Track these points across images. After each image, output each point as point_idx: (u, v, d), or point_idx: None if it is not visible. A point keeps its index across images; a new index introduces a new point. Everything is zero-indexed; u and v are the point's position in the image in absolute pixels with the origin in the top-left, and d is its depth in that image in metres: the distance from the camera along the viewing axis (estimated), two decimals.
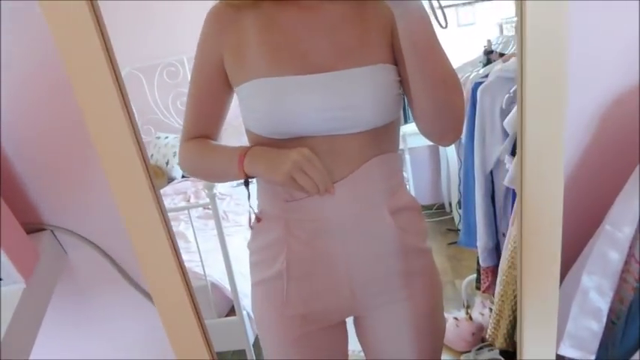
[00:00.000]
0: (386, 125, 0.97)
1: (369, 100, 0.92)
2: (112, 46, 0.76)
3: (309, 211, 0.98)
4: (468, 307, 2.47)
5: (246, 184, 0.98)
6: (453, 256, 3.17)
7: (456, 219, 3.53)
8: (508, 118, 1.44)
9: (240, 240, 2.50)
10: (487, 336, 1.29)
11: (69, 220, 0.90)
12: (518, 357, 0.83)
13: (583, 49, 0.90)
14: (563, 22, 0.69)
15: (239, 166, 0.94)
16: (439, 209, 3.75)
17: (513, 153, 1.37)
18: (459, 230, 3.44)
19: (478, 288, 2.18)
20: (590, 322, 0.85)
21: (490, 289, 2.08)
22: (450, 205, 3.65)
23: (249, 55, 0.95)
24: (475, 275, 2.30)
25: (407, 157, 3.46)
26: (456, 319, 2.35)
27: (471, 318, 2.35)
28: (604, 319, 0.85)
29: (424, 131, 0.96)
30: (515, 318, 1.21)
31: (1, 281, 0.75)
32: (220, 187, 3.13)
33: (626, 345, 0.80)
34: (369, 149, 0.97)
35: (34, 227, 0.88)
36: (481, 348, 2.29)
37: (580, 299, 0.86)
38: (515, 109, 1.43)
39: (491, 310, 2.36)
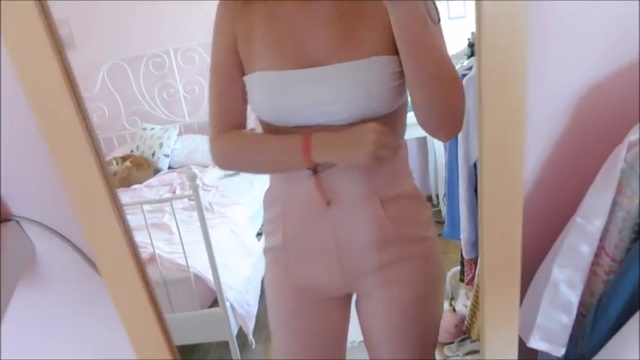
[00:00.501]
0: (383, 115, 0.96)
1: (359, 94, 0.93)
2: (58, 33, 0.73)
3: (303, 194, 1.02)
4: (452, 298, 2.48)
5: (315, 171, 0.99)
6: (440, 249, 3.18)
7: (443, 211, 3.54)
8: None
9: (224, 232, 2.49)
10: (464, 328, 1.29)
11: (36, 211, 0.88)
12: (480, 348, 0.83)
13: (559, 35, 0.90)
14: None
15: (304, 156, 0.94)
16: (427, 201, 3.75)
17: None
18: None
19: (462, 280, 2.18)
20: (560, 315, 0.85)
21: (473, 281, 2.09)
22: (438, 197, 3.66)
23: (254, 46, 0.98)
24: (459, 267, 2.31)
25: None
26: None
27: (454, 310, 2.36)
28: (574, 312, 0.85)
29: (421, 124, 0.96)
30: None
31: None
32: (206, 179, 3.12)
33: (596, 338, 0.80)
34: None
35: None
36: (463, 339, 2.30)
37: (550, 292, 0.86)
38: None
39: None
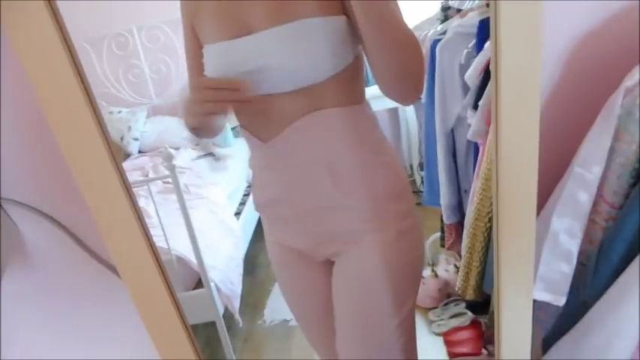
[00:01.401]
0: (331, 79, 0.94)
1: (291, 59, 0.91)
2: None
3: (262, 158, 1.06)
4: (432, 265, 2.52)
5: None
6: (414, 225, 3.22)
7: (418, 181, 3.58)
8: (469, 72, 1.43)
9: (203, 212, 2.45)
10: (456, 289, 1.31)
11: (18, 191, 0.83)
12: (494, 303, 0.84)
13: None
14: None
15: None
16: None
17: (475, 107, 1.36)
18: (421, 192, 3.50)
19: (442, 246, 2.21)
20: (560, 264, 0.86)
21: (454, 246, 2.12)
22: (412, 167, 3.69)
23: (202, 22, 1.00)
24: (439, 234, 2.34)
25: None
26: (422, 277, 2.39)
27: (436, 275, 2.40)
28: (574, 261, 0.87)
29: (384, 92, 0.96)
30: (483, 269, 1.23)
31: None
32: (180, 161, 3.05)
33: (597, 285, 0.82)
34: (305, 106, 0.96)
35: None
36: (447, 303, 2.34)
37: (550, 242, 0.87)
38: (475, 63, 1.42)
39: (456, 266, 2.42)
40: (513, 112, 0.72)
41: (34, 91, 0.73)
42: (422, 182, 3.48)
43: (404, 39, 0.88)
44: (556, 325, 0.94)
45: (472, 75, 1.41)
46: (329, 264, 1.15)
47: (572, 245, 0.85)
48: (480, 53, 1.41)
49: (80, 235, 0.87)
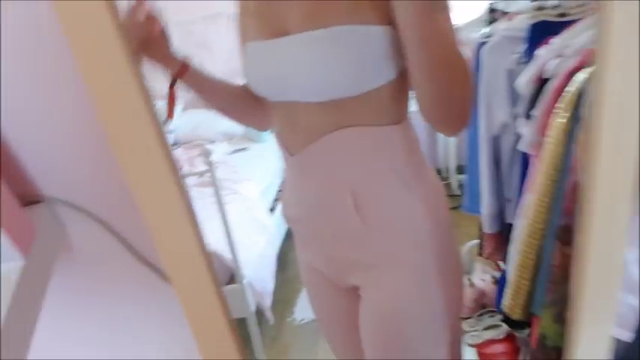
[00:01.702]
0: (363, 95, 0.84)
1: (317, 67, 0.81)
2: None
3: (289, 172, 1.00)
4: (468, 273, 2.46)
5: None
6: (452, 222, 3.15)
7: (454, 184, 3.51)
8: (521, 78, 1.37)
9: (237, 208, 2.44)
10: (503, 306, 1.26)
11: (65, 191, 0.82)
12: (568, 337, 0.78)
13: None
14: None
15: None
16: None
17: (528, 116, 1.30)
18: (457, 195, 3.43)
19: (480, 254, 2.15)
20: (629, 297, 0.81)
21: (493, 255, 2.06)
22: (448, 170, 3.62)
23: (247, 19, 0.96)
24: (476, 241, 2.28)
25: None
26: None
27: (472, 284, 2.34)
28: None
29: (425, 118, 0.84)
30: (533, 288, 1.18)
31: None
32: (214, 155, 3.06)
33: None
34: (335, 121, 0.86)
35: (29, 199, 0.80)
36: (482, 314, 2.28)
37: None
38: (527, 71, 1.35)
39: (493, 276, 2.36)
40: (613, 147, 0.67)
41: (84, 89, 0.71)
42: (458, 186, 3.43)
43: (452, 61, 0.77)
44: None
45: (524, 82, 1.34)
46: (356, 293, 1.03)
47: None
48: (534, 61, 1.34)
49: (125, 235, 0.86)
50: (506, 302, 1.23)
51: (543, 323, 1.10)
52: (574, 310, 0.77)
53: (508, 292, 1.22)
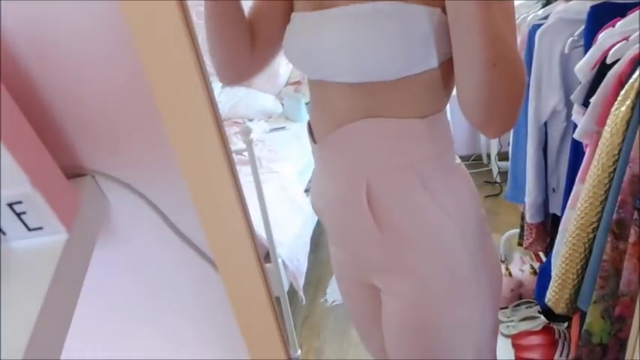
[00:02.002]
0: (398, 82, 0.77)
1: (351, 43, 0.75)
2: None
3: (315, 160, 0.94)
4: (506, 262, 2.40)
5: None
6: (490, 210, 3.09)
7: (494, 171, 3.42)
8: (580, 64, 1.30)
9: (273, 187, 2.44)
10: (547, 300, 1.21)
11: (111, 165, 0.82)
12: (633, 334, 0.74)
13: None
14: None
15: None
16: (476, 160, 3.64)
17: (585, 103, 1.24)
18: (497, 183, 3.35)
19: (520, 244, 2.10)
20: None
21: (534, 245, 2.00)
22: (489, 156, 3.52)
23: None
24: (516, 230, 2.22)
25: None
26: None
27: (510, 274, 2.28)
28: None
29: (466, 115, 0.76)
30: (580, 283, 1.13)
31: (42, 230, 0.69)
32: (253, 134, 3.07)
33: None
34: (363, 108, 0.80)
35: (73, 172, 0.80)
36: (518, 305, 2.24)
37: None
38: (588, 55, 1.28)
39: (532, 266, 2.30)
40: None
41: (136, 61, 0.71)
42: (498, 173, 3.34)
43: (503, 56, 0.69)
44: None
45: (584, 68, 1.27)
46: (379, 292, 0.98)
47: None
48: (596, 45, 1.27)
49: (170, 214, 0.86)
50: (551, 296, 1.19)
51: (590, 319, 1.05)
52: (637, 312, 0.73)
53: (553, 285, 1.18)
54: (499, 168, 3.34)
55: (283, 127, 3.26)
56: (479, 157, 3.68)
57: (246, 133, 1.90)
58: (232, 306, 0.86)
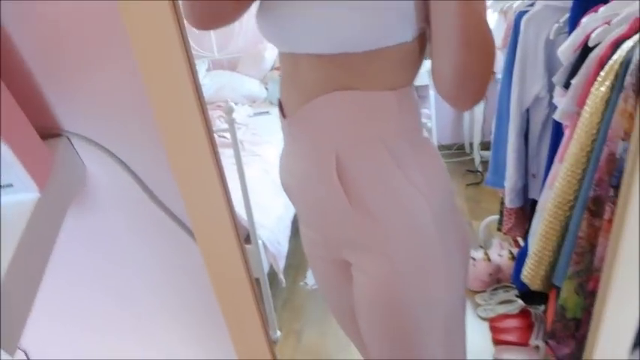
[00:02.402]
0: (369, 54, 0.76)
1: (324, 12, 0.74)
2: None
3: (284, 137, 0.92)
4: (485, 248, 2.43)
5: None
6: (472, 198, 3.12)
7: (476, 160, 3.44)
8: (563, 46, 1.31)
9: (256, 170, 2.43)
10: (523, 277, 1.23)
11: (88, 127, 0.80)
12: (599, 299, 0.75)
13: None
14: None
15: None
16: (459, 150, 3.66)
17: (567, 85, 1.25)
18: (479, 172, 3.38)
19: (499, 229, 2.12)
20: None
21: (513, 230, 2.02)
22: (471, 146, 3.55)
23: None
24: (495, 217, 2.24)
25: (431, 92, 3.33)
26: (473, 258, 2.31)
27: (489, 259, 2.31)
28: None
29: (438, 90, 0.79)
30: (555, 260, 1.14)
31: (12, 187, 0.67)
32: (237, 117, 3.05)
33: None
34: (333, 80, 0.79)
35: (48, 132, 0.79)
36: (496, 289, 2.26)
37: None
38: (571, 38, 1.29)
39: (510, 252, 2.32)
40: None
41: (119, 27, 0.69)
42: (480, 162, 3.37)
43: (478, 37, 0.71)
44: None
45: (567, 50, 1.28)
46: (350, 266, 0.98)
47: None
48: (579, 28, 1.28)
49: (146, 179, 0.85)
50: (527, 273, 1.20)
51: (564, 295, 1.07)
52: (602, 282, 0.74)
53: (529, 262, 1.19)
54: (481, 157, 3.36)
55: (267, 112, 3.24)
56: (461, 147, 3.71)
57: (228, 112, 1.88)
58: (213, 285, 0.86)
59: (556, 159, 1.23)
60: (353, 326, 1.09)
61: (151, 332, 1.07)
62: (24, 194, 0.66)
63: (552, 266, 1.16)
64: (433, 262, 0.87)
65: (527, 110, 1.85)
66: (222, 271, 0.84)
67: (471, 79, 0.75)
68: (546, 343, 1.25)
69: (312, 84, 0.81)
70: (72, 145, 0.80)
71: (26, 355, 1.10)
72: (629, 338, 0.75)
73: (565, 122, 1.25)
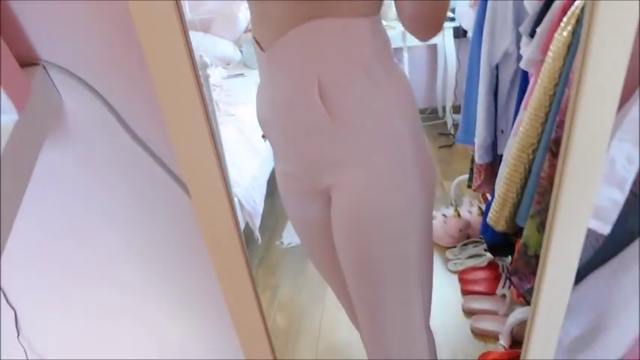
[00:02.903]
0: None
1: None
2: None
3: (262, 71, 0.96)
4: (456, 205, 2.50)
5: None
6: (444, 160, 3.19)
7: (449, 123, 3.50)
8: None
9: (231, 129, 2.44)
10: (488, 219, 1.29)
11: (65, 59, 0.80)
12: (547, 228, 0.80)
13: None
14: None
15: None
16: (432, 114, 3.71)
17: (532, 34, 1.29)
18: (451, 134, 3.44)
19: (469, 186, 2.19)
20: (613, 191, 0.83)
21: (482, 187, 2.09)
22: (444, 109, 3.60)
23: None
24: (465, 176, 2.31)
25: (405, 55, 3.35)
26: (444, 216, 2.38)
27: (459, 215, 2.38)
28: (627, 189, 0.83)
29: (404, 25, 0.87)
30: (519, 202, 1.20)
31: None
32: (211, 79, 3.03)
33: None
34: (307, 12, 0.84)
35: (24, 60, 0.79)
36: (466, 244, 2.34)
37: (606, 168, 0.83)
38: None
39: (480, 208, 2.40)
40: (604, 40, 0.66)
41: None
42: (453, 125, 3.43)
43: None
44: (595, 255, 0.92)
45: (532, 0, 1.32)
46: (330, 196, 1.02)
47: (628, 172, 0.81)
48: None
49: (125, 116, 0.85)
50: (492, 215, 1.26)
51: (527, 233, 1.13)
52: (552, 205, 0.79)
53: (494, 205, 1.25)
54: (453, 120, 3.42)
55: (242, 74, 3.22)
56: (434, 111, 3.76)
57: (202, 67, 1.88)
58: (203, 232, 0.89)
59: (521, 107, 1.28)
60: (331, 267, 1.14)
61: (124, 273, 1.09)
62: (3, 116, 0.67)
63: (516, 208, 1.22)
64: (405, 169, 0.94)
65: (497, 67, 1.89)
66: (210, 215, 0.88)
67: (435, 14, 0.84)
68: (510, 279, 1.32)
69: (285, 19, 0.85)
70: (48, 75, 0.80)
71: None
72: (572, 270, 0.81)
73: (530, 70, 1.29)
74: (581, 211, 0.75)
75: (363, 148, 0.91)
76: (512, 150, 1.21)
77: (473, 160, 2.14)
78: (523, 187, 1.20)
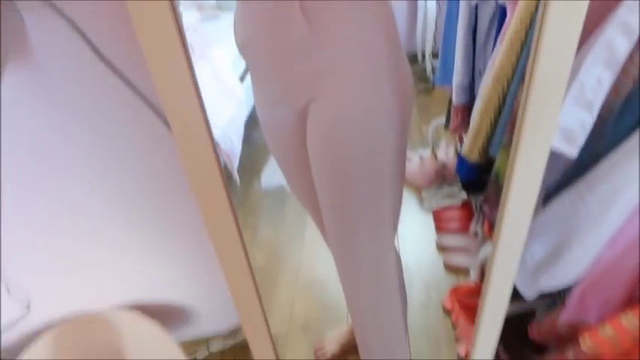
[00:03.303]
0: None
1: None
2: None
3: None
4: (433, 147, 2.54)
5: None
6: (422, 104, 3.21)
7: (428, 69, 3.49)
8: None
9: (206, 71, 2.39)
10: (462, 151, 1.31)
11: None
12: (513, 148, 0.81)
13: None
14: None
15: None
16: (411, 60, 3.68)
17: None
18: (430, 80, 3.44)
19: (447, 127, 2.21)
20: (582, 114, 0.84)
21: (459, 128, 2.11)
22: (423, 55, 3.58)
23: None
24: (443, 118, 2.33)
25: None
26: (421, 157, 2.41)
27: (436, 157, 2.42)
28: (596, 113, 0.85)
29: None
30: (492, 133, 1.22)
31: None
32: (184, 20, 2.93)
33: (616, 135, 0.80)
34: None
35: None
36: (441, 185, 2.39)
37: (575, 90, 0.84)
38: None
39: (456, 149, 2.44)
40: None
41: None
42: (432, 70, 3.42)
43: None
44: (561, 178, 0.94)
45: None
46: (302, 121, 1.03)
47: (597, 95, 0.83)
48: None
49: (92, 37, 0.82)
50: (466, 147, 1.28)
51: (499, 162, 1.15)
52: (516, 127, 0.80)
53: (468, 137, 1.27)
54: (432, 65, 3.41)
55: (217, 17, 3.14)
56: (414, 57, 3.74)
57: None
58: (185, 168, 0.88)
59: (498, 42, 1.28)
60: (313, 192, 1.15)
61: (100, 208, 1.08)
62: None
63: (489, 139, 1.24)
64: (384, 75, 0.95)
65: (476, 7, 1.87)
66: (192, 151, 0.89)
67: None
68: (481, 210, 1.35)
69: None
70: None
71: None
72: (536, 186, 0.83)
73: (508, 6, 1.28)
74: (545, 128, 0.76)
75: (341, 57, 0.92)
76: (487, 81, 1.22)
77: (450, 102, 2.15)
78: (497, 118, 1.22)
